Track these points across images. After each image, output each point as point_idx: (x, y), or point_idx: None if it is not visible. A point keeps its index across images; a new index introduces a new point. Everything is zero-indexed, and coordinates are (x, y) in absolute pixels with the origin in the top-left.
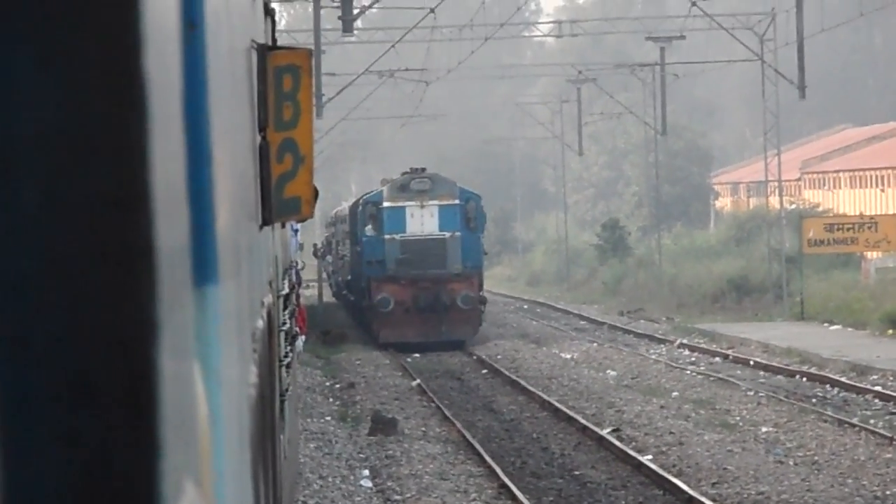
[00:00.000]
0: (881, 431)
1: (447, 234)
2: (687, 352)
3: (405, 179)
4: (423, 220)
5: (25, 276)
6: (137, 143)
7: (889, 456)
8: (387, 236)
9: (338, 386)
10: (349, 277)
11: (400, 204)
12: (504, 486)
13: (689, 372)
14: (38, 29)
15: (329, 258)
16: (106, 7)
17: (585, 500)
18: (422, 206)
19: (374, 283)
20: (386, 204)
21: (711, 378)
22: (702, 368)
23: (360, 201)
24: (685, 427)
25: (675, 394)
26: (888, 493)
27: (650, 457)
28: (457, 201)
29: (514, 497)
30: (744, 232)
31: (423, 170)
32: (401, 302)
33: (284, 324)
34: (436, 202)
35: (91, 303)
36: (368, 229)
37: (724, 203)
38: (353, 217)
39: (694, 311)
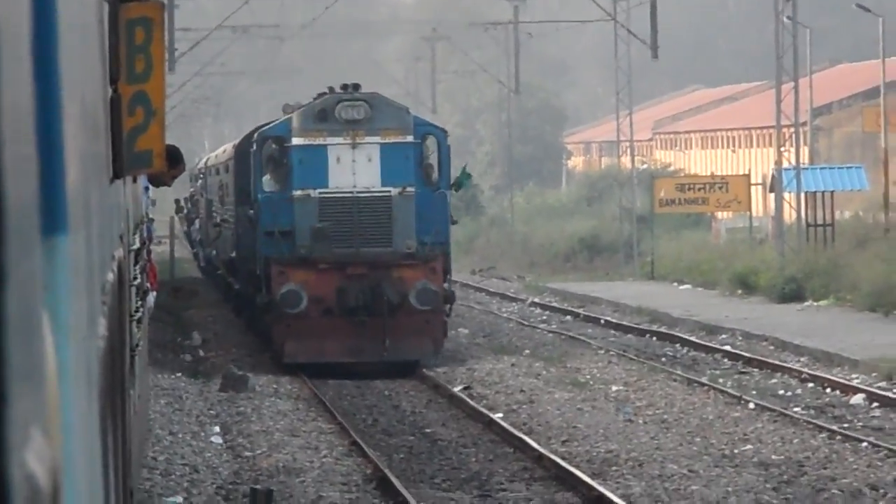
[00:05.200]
0: (729, 390)
1: (394, 191)
2: (538, 310)
3: (327, 101)
4: (355, 168)
5: None
6: None
7: (737, 415)
8: (297, 192)
9: (188, 342)
10: (233, 255)
11: (319, 141)
12: (355, 442)
13: (540, 330)
14: None
15: (197, 223)
16: None
17: (436, 458)
18: (354, 146)
19: (276, 267)
20: (296, 141)
21: (562, 336)
22: (553, 327)
23: (254, 138)
24: (536, 385)
25: (526, 352)
26: (736, 451)
27: (501, 415)
28: (410, 138)
29: (364, 454)
30: (595, 191)
31: (357, 87)
32: (319, 298)
33: (135, 278)
34: (376, 139)
35: None
36: (267, 181)
37: (576, 162)
38: (240, 162)
39: (546, 270)
